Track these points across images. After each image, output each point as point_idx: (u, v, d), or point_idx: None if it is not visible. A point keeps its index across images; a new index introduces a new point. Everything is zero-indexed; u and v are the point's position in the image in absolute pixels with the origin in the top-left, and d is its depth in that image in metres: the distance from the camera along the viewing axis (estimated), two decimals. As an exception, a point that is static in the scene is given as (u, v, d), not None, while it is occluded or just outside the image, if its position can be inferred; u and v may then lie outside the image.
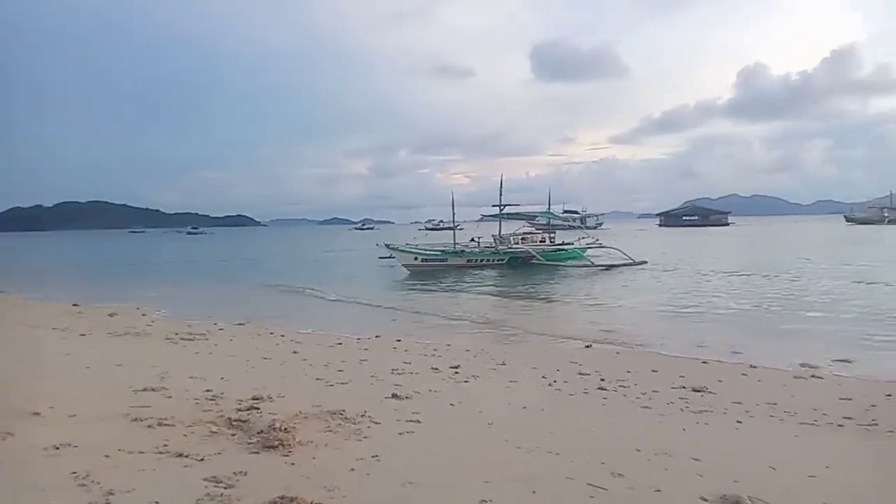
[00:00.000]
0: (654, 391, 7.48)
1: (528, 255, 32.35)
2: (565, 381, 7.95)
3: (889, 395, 7.49)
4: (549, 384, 7.79)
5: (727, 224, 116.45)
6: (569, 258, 32.73)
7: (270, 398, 6.01)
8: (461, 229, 41.21)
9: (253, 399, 5.89)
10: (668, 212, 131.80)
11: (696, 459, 4.71)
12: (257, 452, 4.36)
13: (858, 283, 21.88)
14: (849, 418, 6.43)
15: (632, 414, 6.45)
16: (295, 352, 9.56)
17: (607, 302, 19.14)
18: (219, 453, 4.30)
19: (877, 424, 6.21)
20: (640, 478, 4.21)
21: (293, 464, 4.16)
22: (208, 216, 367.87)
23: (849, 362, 9.98)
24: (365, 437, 4.83)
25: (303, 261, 43.44)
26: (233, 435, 4.76)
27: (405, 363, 8.79)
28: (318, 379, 7.36)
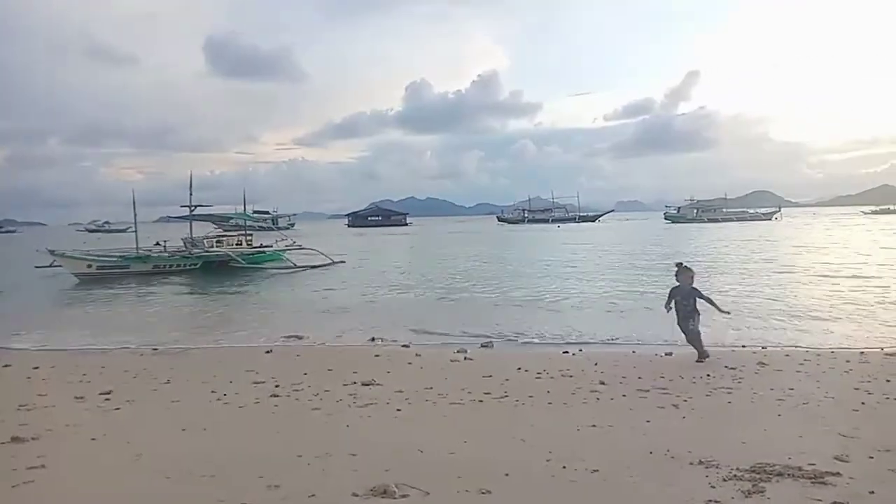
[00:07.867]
0: (325, 391, 7.59)
1: (224, 259, 30.52)
2: (237, 393, 7.57)
3: (519, 369, 8.86)
4: (219, 399, 7.33)
5: (406, 224, 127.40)
6: (268, 260, 31.95)
7: None
8: (133, 231, 36.82)
9: None
10: (355, 212, 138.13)
11: (353, 455, 4.89)
12: None
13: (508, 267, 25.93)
14: (487, 393, 7.36)
15: (301, 418, 6.43)
16: None
17: (302, 304, 19.03)
18: None
19: (507, 396, 7.26)
20: (297, 485, 4.20)
21: None
22: None
23: (494, 342, 11.63)
24: (-42, 501, 3.85)
25: None
26: None
27: (40, 395, 7.36)
28: None
